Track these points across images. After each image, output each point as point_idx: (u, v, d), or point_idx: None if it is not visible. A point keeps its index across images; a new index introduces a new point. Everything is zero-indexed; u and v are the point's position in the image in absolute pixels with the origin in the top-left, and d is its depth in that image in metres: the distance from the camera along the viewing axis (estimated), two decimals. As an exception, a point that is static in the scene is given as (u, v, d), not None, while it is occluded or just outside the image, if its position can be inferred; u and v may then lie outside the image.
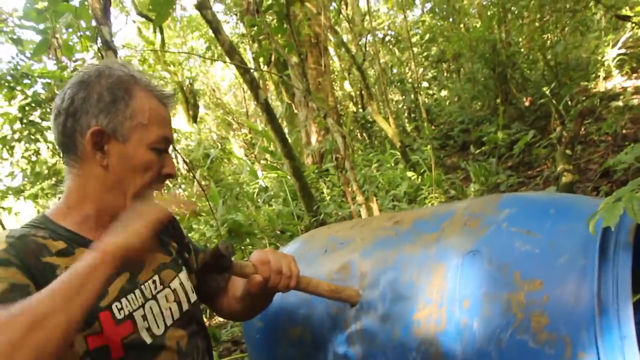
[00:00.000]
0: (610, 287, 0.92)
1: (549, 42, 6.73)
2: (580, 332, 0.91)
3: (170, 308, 1.21)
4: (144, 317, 1.15)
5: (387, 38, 11.58)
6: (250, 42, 9.33)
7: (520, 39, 7.63)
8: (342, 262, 1.40)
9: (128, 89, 1.13)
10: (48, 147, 6.70)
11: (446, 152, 7.40)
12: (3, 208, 6.58)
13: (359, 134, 9.94)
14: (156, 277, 1.21)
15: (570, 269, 0.97)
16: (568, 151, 4.07)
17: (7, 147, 6.41)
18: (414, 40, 10.02)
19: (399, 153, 6.52)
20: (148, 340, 1.13)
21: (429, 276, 1.14)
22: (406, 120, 9.96)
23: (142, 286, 1.16)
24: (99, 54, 4.18)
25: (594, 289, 0.92)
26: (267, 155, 8.95)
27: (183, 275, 1.30)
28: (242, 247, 4.22)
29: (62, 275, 0.92)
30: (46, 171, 6.88)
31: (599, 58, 6.66)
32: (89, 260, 0.93)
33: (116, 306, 1.09)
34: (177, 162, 11.12)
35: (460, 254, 1.11)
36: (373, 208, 3.77)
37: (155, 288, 1.19)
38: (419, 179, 5.53)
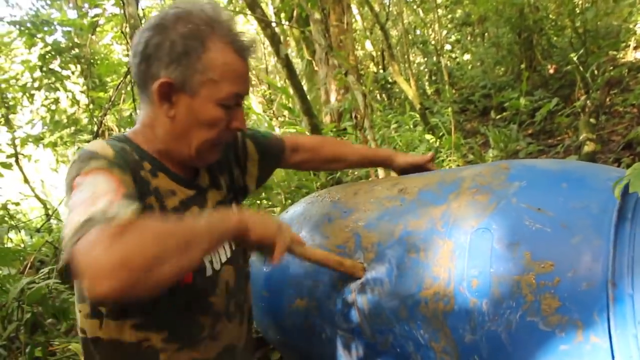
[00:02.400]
0: (625, 270, 0.89)
1: (578, 7, 6.54)
2: (592, 316, 0.89)
3: (223, 246, 1.26)
4: None
5: (412, -2, 11.34)
6: (273, -4, 9.19)
7: (549, 4, 7.42)
8: (346, 233, 1.39)
9: (203, 40, 1.08)
10: (67, 97, 6.72)
11: (466, 117, 7.30)
12: (23, 155, 6.65)
13: (378, 95, 9.84)
14: None
15: (583, 250, 0.95)
16: (592, 120, 4.00)
17: (27, 95, 6.43)
18: (439, 1, 9.79)
19: (418, 115, 6.44)
20: (209, 272, 1.19)
21: (435, 253, 1.13)
22: (427, 83, 9.83)
23: None
24: (120, 1, 4.14)
25: (608, 272, 0.90)
26: (286, 112, 8.90)
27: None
28: (258, 202, 4.23)
29: (201, 220, 0.97)
30: (65, 120, 6.91)
31: (631, 26, 6.46)
32: (230, 223, 1.02)
33: None
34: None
35: (468, 231, 1.09)
36: (391, 168, 3.75)
37: None
38: (438, 142, 5.48)
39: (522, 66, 6.84)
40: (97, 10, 5.28)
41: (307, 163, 1.64)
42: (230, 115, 1.15)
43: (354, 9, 9.54)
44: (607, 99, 4.87)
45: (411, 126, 6.51)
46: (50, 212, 6.01)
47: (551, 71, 6.78)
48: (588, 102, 4.80)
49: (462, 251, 1.08)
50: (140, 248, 0.81)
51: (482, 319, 1.01)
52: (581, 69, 5.49)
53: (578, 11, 6.45)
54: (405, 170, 1.67)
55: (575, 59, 5.58)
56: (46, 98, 6.60)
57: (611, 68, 5.76)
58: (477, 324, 1.01)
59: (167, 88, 1.09)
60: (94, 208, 0.87)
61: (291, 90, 4.86)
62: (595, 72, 5.58)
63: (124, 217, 0.86)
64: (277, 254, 1.11)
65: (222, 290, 1.24)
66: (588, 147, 3.73)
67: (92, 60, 6.17)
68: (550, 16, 7.34)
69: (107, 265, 0.77)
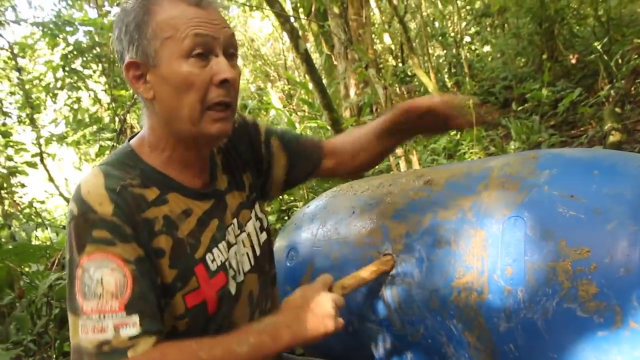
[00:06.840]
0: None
1: (601, -5, 6.42)
2: (631, 301, 0.88)
3: (247, 253, 1.20)
4: (230, 265, 1.12)
5: (430, -10, 11.25)
6: (291, -9, 9.19)
7: (571, -8, 7.30)
8: (372, 226, 1.37)
9: (148, 8, 1.00)
10: (89, 95, 6.81)
11: (487, 109, 7.24)
12: (48, 154, 6.75)
13: (397, 88, 9.78)
14: (235, 221, 1.18)
15: (619, 236, 0.93)
16: (617, 109, 3.95)
17: (51, 95, 6.52)
18: (458, -8, 9.70)
19: (438, 108, 6.39)
20: (233, 290, 1.12)
21: (467, 242, 1.12)
22: (446, 76, 9.75)
23: (227, 231, 1.13)
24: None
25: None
26: (305, 107, 8.91)
27: (254, 213, 1.26)
28: (280, 197, 4.25)
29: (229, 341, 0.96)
30: (88, 119, 7.00)
31: (656, 14, 6.33)
32: (281, 343, 1.00)
33: (209, 257, 1.07)
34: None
35: (500, 220, 1.08)
36: (413, 161, 3.75)
37: (235, 232, 1.16)
38: (459, 135, 5.44)
39: (544, 57, 6.73)
40: (118, 9, 5.34)
41: (340, 166, 1.46)
42: (210, 69, 1.01)
43: (372, 3, 9.51)
44: (632, 88, 4.79)
45: (432, 119, 6.46)
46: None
47: (573, 61, 6.68)
48: (612, 91, 4.73)
49: (495, 240, 1.07)
50: None
51: (517, 306, 1.00)
52: (605, 57, 5.40)
53: (601, -1, 6.34)
54: (420, 114, 1.35)
55: (598, 47, 5.49)
56: (69, 97, 6.70)
57: (636, 56, 5.65)
58: (512, 312, 1.00)
59: (135, 68, 1.02)
60: (103, 336, 0.88)
61: (311, 85, 4.85)
62: (620, 60, 5.48)
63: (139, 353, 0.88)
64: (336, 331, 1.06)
65: (244, 301, 1.16)
66: (614, 137, 3.69)
67: (113, 59, 6.24)
68: (572, 5, 7.22)
69: None
